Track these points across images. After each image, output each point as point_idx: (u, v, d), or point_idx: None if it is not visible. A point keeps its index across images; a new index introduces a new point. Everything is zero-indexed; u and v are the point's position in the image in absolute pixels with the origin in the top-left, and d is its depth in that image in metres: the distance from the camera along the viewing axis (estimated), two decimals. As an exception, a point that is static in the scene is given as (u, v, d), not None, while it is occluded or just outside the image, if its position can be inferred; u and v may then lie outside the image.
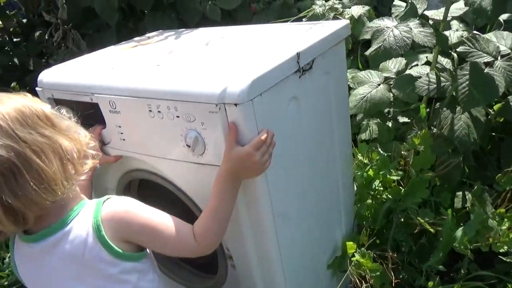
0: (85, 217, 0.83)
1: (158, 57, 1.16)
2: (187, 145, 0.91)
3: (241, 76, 0.84)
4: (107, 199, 0.87)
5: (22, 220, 0.76)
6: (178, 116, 0.91)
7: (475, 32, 1.64)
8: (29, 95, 0.83)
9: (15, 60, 2.27)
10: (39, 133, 0.76)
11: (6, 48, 2.35)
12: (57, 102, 1.20)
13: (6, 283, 1.57)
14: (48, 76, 1.21)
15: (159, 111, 0.93)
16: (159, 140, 0.98)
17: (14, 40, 2.53)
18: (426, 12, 1.55)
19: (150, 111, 0.95)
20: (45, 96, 1.20)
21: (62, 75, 1.18)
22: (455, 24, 1.86)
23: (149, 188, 1.25)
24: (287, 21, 2.04)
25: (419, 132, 1.29)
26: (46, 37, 2.20)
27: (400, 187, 1.32)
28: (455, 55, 1.66)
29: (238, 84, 0.82)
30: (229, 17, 2.36)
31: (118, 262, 0.83)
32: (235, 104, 0.82)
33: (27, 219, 0.76)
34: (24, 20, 2.73)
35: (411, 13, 1.48)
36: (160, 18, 2.16)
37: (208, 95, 0.84)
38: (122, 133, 1.06)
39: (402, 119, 1.71)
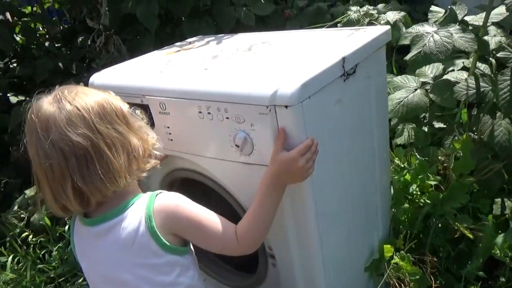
0: (139, 208, 0.89)
1: (203, 61, 1.21)
2: (236, 145, 0.95)
3: (291, 79, 0.88)
4: (160, 192, 0.92)
5: (86, 203, 0.84)
6: (227, 118, 0.95)
7: (514, 37, 1.63)
8: (112, 93, 0.93)
9: (60, 64, 2.38)
10: (114, 128, 0.84)
11: (50, 52, 2.47)
12: (107, 104, 1.27)
13: (52, 275, 1.65)
14: (99, 78, 1.27)
15: (209, 113, 0.98)
16: (207, 140, 1.03)
17: (58, 45, 2.66)
18: (466, 18, 1.55)
19: (200, 112, 0.99)
20: (96, 97, 1.27)
21: (113, 77, 1.25)
22: (493, 29, 1.85)
23: (190, 189, 1.30)
24: (321, 27, 2.07)
25: (459, 137, 1.29)
26: (89, 43, 2.31)
27: (439, 192, 1.32)
28: (493, 60, 1.65)
29: (289, 87, 0.85)
30: (262, 23, 2.41)
31: (163, 254, 0.88)
32: (286, 106, 0.85)
33: (90, 203, 0.84)
34: (66, 26, 2.87)
35: (451, 18, 1.49)
36: (197, 24, 2.23)
37: (259, 97, 0.88)
38: (170, 134, 1.11)
39: (438, 125, 1.70)
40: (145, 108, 1.12)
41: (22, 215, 1.88)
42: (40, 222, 1.79)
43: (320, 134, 0.95)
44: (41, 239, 1.77)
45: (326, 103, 0.97)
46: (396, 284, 1.14)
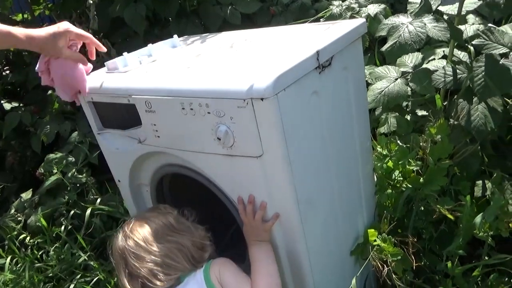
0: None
1: (187, 60, 1.26)
2: (217, 138, 1.00)
3: (266, 73, 0.92)
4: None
5: None
6: (209, 112, 1.00)
7: (490, 25, 1.67)
8: (162, 208, 1.21)
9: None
10: (168, 241, 1.10)
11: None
12: (96, 105, 1.32)
13: (50, 274, 1.70)
14: (88, 81, 1.32)
15: (191, 109, 1.03)
16: (192, 135, 1.07)
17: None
18: (441, 8, 1.60)
19: (183, 109, 1.04)
20: (86, 100, 1.32)
21: (101, 79, 1.29)
22: (471, 18, 1.89)
23: (179, 185, 1.35)
24: (304, 22, 2.11)
25: (436, 123, 1.34)
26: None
27: (419, 176, 1.37)
28: (471, 48, 1.70)
29: (263, 80, 0.90)
30: (249, 21, 2.46)
31: None
32: (262, 99, 0.90)
33: None
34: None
35: (425, 9, 1.53)
36: (184, 25, 2.27)
37: (236, 92, 0.93)
38: (157, 131, 1.16)
39: (420, 113, 1.75)
40: (132, 108, 1.17)
41: (19, 218, 1.93)
42: (37, 224, 1.83)
43: (297, 124, 1.00)
44: (38, 240, 1.82)
45: (302, 95, 1.02)
46: (379, 265, 1.19)
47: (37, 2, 2.80)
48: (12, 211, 1.97)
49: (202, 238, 1.15)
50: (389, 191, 1.40)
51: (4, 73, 2.65)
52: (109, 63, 1.33)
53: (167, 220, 1.15)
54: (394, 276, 1.17)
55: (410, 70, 1.67)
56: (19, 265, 1.73)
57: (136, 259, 1.08)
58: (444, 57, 1.81)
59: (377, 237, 1.23)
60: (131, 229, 1.13)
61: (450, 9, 1.64)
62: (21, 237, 1.82)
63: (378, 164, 1.43)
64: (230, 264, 1.11)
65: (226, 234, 1.39)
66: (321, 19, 2.08)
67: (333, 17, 2.01)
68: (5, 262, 1.70)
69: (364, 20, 1.28)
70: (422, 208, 1.39)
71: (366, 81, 1.56)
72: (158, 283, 1.06)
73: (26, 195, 2.00)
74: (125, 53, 1.34)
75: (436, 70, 1.56)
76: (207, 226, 1.19)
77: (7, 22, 2.54)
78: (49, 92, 2.30)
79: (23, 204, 1.98)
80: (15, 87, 2.64)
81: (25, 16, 2.88)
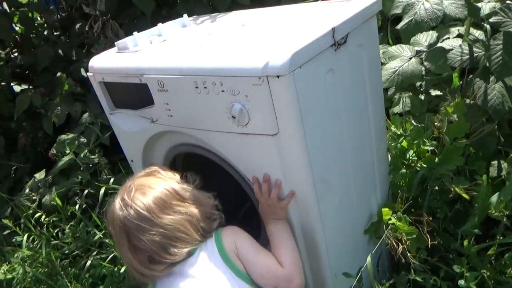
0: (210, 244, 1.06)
1: (198, 39, 1.24)
2: (232, 116, 0.99)
3: (281, 50, 0.91)
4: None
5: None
6: (223, 91, 0.98)
7: (508, 1, 1.62)
8: (161, 171, 1.11)
9: (60, 51, 2.41)
10: (175, 211, 1.01)
11: (50, 41, 2.50)
12: (107, 85, 1.31)
13: (66, 251, 1.73)
14: (98, 61, 1.31)
15: (205, 87, 1.01)
16: (205, 114, 1.06)
17: (56, 33, 2.68)
18: (457, -17, 1.55)
19: (197, 87, 1.03)
20: (96, 80, 1.31)
21: (111, 60, 1.28)
22: (487, -6, 1.84)
23: (192, 165, 1.35)
24: (316, 0, 2.07)
25: (452, 102, 1.32)
26: (87, 29, 2.33)
27: (434, 156, 1.36)
28: (487, 26, 1.66)
29: (279, 57, 0.89)
30: (258, 0, 2.41)
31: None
32: (277, 76, 0.88)
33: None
34: (63, 15, 2.89)
35: (442, -15, 1.48)
36: (192, 5, 2.23)
37: (251, 69, 0.91)
38: (169, 110, 1.15)
39: (434, 92, 1.72)
40: (144, 87, 1.16)
41: (33, 197, 1.95)
42: (52, 203, 1.86)
43: (313, 101, 0.98)
44: (54, 218, 1.85)
45: (318, 72, 1.00)
46: (394, 243, 1.19)
47: (43, -17, 2.77)
48: (27, 190, 2.00)
49: (211, 207, 1.09)
50: (403, 170, 1.39)
51: (12, 56, 2.65)
52: (119, 43, 1.31)
53: (171, 187, 1.05)
54: (408, 254, 1.17)
55: (425, 49, 1.63)
56: (35, 243, 1.77)
57: (141, 232, 0.98)
58: (459, 36, 1.76)
59: (392, 216, 1.22)
60: (133, 197, 1.01)
61: (467, -15, 1.59)
62: (37, 215, 1.84)
63: (392, 144, 1.41)
64: (243, 235, 1.07)
65: (239, 212, 1.40)
66: (332, -3, 2.02)
67: (345, -5, 1.96)
68: (22, 240, 1.73)
69: (379, -4, 1.24)
70: (437, 188, 1.38)
71: (380, 60, 1.53)
72: (168, 257, 0.98)
73: (40, 175, 2.02)
74: (135, 33, 1.32)
75: (452, 49, 1.52)
76: (214, 193, 1.13)
77: (13, 4, 2.54)
78: (59, 73, 2.30)
79: (37, 184, 2.00)
80: (24, 70, 2.64)
81: (31, -2, 2.85)
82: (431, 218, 1.25)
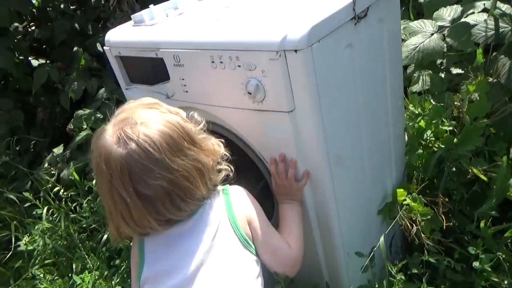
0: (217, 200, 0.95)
1: (215, 12, 1.22)
2: (248, 92, 0.98)
3: (299, 24, 0.88)
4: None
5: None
6: (239, 66, 0.97)
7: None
8: (163, 104, 0.93)
9: (76, 25, 2.41)
10: (186, 156, 0.85)
11: (67, 14, 2.50)
12: (123, 60, 1.30)
13: (84, 225, 1.78)
14: (114, 35, 1.30)
15: (221, 62, 1.00)
16: (221, 89, 1.05)
17: (72, 7, 2.68)
18: (485, -45, 1.48)
19: (213, 62, 1.02)
20: (113, 54, 1.30)
21: (127, 33, 1.27)
22: (517, -33, 1.75)
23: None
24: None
25: (474, 80, 1.27)
26: (103, 2, 2.32)
27: (453, 136, 1.33)
28: (516, 0, 1.58)
29: (297, 31, 0.86)
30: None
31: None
32: (295, 51, 0.86)
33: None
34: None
35: (469, -44, 1.42)
36: (209, -23, 2.19)
37: (268, 43, 0.89)
38: (185, 85, 1.14)
39: (455, 71, 1.67)
40: (160, 62, 1.15)
41: (52, 172, 2.00)
42: (70, 177, 1.90)
43: (330, 78, 0.96)
44: (72, 193, 1.89)
45: (337, 47, 0.97)
46: (408, 224, 1.18)
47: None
48: (46, 165, 2.05)
49: (220, 156, 0.94)
50: (420, 151, 1.37)
51: (30, 29, 2.66)
52: (136, 16, 1.30)
53: (181, 127, 0.86)
54: (422, 235, 1.17)
55: (448, 24, 1.58)
56: (54, 216, 1.82)
57: (149, 174, 0.80)
58: (484, 10, 1.69)
59: (407, 197, 1.21)
60: (139, 132, 0.81)
61: (496, -43, 1.51)
62: (55, 189, 1.89)
63: (410, 124, 1.38)
64: (255, 202, 0.99)
65: (254, 192, 1.40)
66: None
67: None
68: (42, 212, 1.78)
69: (403, -32, 1.19)
70: (454, 169, 1.35)
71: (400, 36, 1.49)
72: (173, 211, 0.84)
73: (58, 150, 2.06)
74: (151, 6, 1.30)
75: (476, 24, 1.47)
76: (222, 140, 0.99)
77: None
78: (76, 48, 2.31)
79: (56, 158, 2.04)
80: (41, 44, 2.66)
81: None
82: (447, 200, 1.23)
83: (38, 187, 1.97)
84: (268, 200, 1.21)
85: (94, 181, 1.83)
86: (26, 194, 1.82)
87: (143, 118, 0.84)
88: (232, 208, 0.93)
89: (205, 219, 0.90)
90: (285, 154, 1.04)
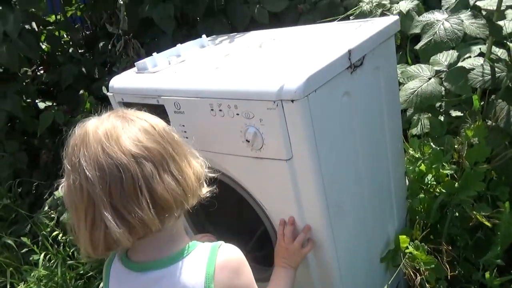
0: (197, 262, 0.80)
1: (216, 60, 1.25)
2: (246, 140, 0.99)
3: (296, 74, 0.90)
4: (221, 244, 0.84)
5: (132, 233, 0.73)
6: (238, 114, 0.98)
7: (533, 20, 1.58)
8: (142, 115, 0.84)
9: (83, 69, 2.48)
10: (171, 174, 0.76)
11: (74, 58, 2.58)
12: (126, 106, 1.33)
13: (81, 271, 1.75)
14: (118, 82, 1.33)
15: (220, 110, 1.02)
16: (220, 136, 1.07)
17: (80, 51, 2.77)
18: (478, 3, 1.52)
19: (212, 110, 1.03)
20: (116, 100, 1.33)
21: (131, 80, 1.30)
22: (510, 13, 1.80)
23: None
24: (333, 20, 2.07)
25: (472, 124, 1.28)
26: (109, 47, 2.40)
27: (454, 181, 1.32)
28: (511, 45, 1.62)
29: (294, 82, 0.88)
30: (276, 19, 2.43)
31: None
32: (292, 101, 0.88)
33: (137, 233, 0.73)
34: (87, 33, 2.98)
35: (462, 4, 1.47)
36: (212, 24, 2.27)
37: (266, 93, 0.91)
38: (185, 132, 1.16)
39: (455, 113, 1.68)
40: (161, 109, 1.17)
41: (52, 215, 1.99)
42: (69, 221, 1.88)
43: (328, 126, 0.97)
44: (70, 237, 1.87)
45: (333, 96, 0.99)
46: (412, 273, 1.15)
47: (70, 3, 2.87)
48: (46, 208, 2.04)
49: (201, 178, 0.83)
50: (422, 195, 1.35)
51: (38, 73, 2.74)
52: (139, 64, 1.34)
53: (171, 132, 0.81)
54: (427, 285, 1.13)
55: (445, 69, 1.60)
56: (52, 261, 1.78)
57: (133, 193, 0.71)
58: (480, 54, 1.73)
59: (409, 244, 1.19)
60: (128, 111, 0.79)
61: (488, 4, 1.56)
62: (54, 233, 1.87)
63: (410, 168, 1.38)
64: (248, 278, 0.85)
65: (253, 238, 1.38)
66: (350, 17, 2.03)
67: (363, 15, 1.96)
68: (39, 258, 1.75)
69: (397, 17, 1.23)
70: (457, 214, 1.33)
71: (398, 80, 1.51)
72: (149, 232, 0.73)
73: (59, 193, 2.06)
74: (154, 54, 1.35)
75: (473, 69, 1.49)
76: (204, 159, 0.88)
77: (41, 23, 2.64)
78: (81, 91, 2.36)
79: (56, 201, 2.04)
80: (49, 87, 2.73)
81: (58, 17, 2.96)
82: (450, 248, 1.20)
83: (36, 232, 1.95)
84: (266, 246, 1.19)
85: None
86: (24, 239, 1.80)
87: (123, 122, 0.78)
88: (213, 270, 0.78)
89: (180, 278, 0.77)
90: (294, 219, 1.03)
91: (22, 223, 2.08)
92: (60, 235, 1.87)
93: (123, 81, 1.31)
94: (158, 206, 0.73)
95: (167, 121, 1.16)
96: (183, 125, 1.14)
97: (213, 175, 0.90)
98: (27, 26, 2.41)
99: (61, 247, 1.87)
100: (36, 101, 2.60)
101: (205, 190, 0.87)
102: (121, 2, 2.26)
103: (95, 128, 0.75)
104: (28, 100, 2.56)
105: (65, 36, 2.96)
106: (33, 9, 2.44)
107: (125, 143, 0.73)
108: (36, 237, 1.96)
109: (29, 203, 2.31)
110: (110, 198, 0.71)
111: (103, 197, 0.71)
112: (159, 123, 0.82)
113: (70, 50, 2.72)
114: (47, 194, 2.13)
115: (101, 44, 2.57)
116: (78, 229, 0.75)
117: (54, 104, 2.57)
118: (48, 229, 1.87)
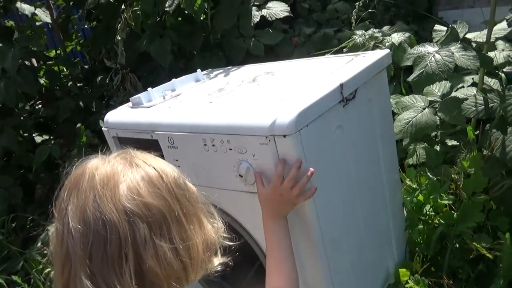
0: None
1: (210, 94, 1.26)
2: (239, 175, 0.98)
3: (288, 109, 0.91)
4: None
5: None
6: (230, 149, 0.98)
7: (522, 51, 1.61)
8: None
9: (80, 103, 2.50)
10: (189, 201, 0.68)
11: (72, 93, 2.61)
12: (120, 141, 1.33)
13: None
14: (113, 116, 1.34)
15: (213, 145, 1.02)
16: (213, 171, 1.06)
17: (79, 85, 2.80)
18: (468, 35, 1.56)
19: (205, 145, 1.03)
20: (110, 135, 1.33)
21: (125, 115, 1.31)
22: (500, 44, 1.84)
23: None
24: (327, 53, 2.11)
25: (468, 155, 1.28)
26: (107, 81, 2.42)
27: (453, 212, 1.30)
28: (503, 75, 1.64)
29: (286, 117, 0.88)
30: (271, 51, 2.48)
31: None
32: (284, 136, 0.88)
33: None
34: (86, 67, 3.03)
35: (452, 37, 1.50)
36: (208, 58, 2.31)
37: (258, 128, 0.91)
38: (179, 166, 1.14)
39: (451, 142, 1.69)
40: (155, 143, 1.17)
41: (45, 252, 1.94)
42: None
43: (321, 159, 0.97)
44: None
45: (326, 129, 0.99)
46: (413, 309, 1.11)
47: (70, 38, 2.93)
48: (39, 244, 1.99)
49: (219, 236, 0.72)
50: (421, 226, 1.33)
51: (36, 107, 2.76)
52: (134, 99, 1.35)
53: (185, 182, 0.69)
54: (429, 321, 1.09)
55: (438, 99, 1.62)
56: (43, 300, 1.73)
57: (148, 246, 0.60)
58: (473, 84, 1.75)
59: (410, 279, 1.16)
60: (116, 186, 0.62)
61: (478, 36, 1.60)
62: (46, 271, 1.82)
63: (408, 198, 1.36)
64: None
65: (249, 272, 1.35)
66: (344, 49, 2.07)
67: (356, 47, 2.00)
68: (28, 299, 1.69)
69: (388, 51, 1.25)
70: (457, 246, 1.31)
71: (392, 111, 1.52)
72: None
73: (52, 228, 2.02)
74: (149, 88, 1.36)
75: (466, 99, 1.51)
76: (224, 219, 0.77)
77: (41, 58, 2.68)
78: (78, 125, 2.37)
79: (49, 237, 1.99)
80: (47, 120, 2.74)
81: (58, 52, 3.01)
82: (451, 281, 1.17)
83: (28, 269, 1.89)
84: (262, 282, 1.16)
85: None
86: (15, 277, 1.75)
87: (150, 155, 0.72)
88: None
89: None
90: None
91: (14, 259, 2.03)
92: (52, 272, 1.81)
93: (117, 116, 1.32)
94: (145, 280, 0.60)
95: (161, 156, 1.16)
96: (177, 160, 1.14)
97: (230, 243, 0.75)
98: (26, 62, 2.45)
99: (53, 285, 1.81)
100: (33, 135, 2.60)
101: (217, 262, 0.71)
102: (119, 38, 2.30)
103: (94, 170, 0.64)
104: (24, 134, 2.56)
105: (64, 70, 3.01)
106: (33, 47, 2.49)
107: (121, 195, 0.61)
108: (28, 275, 1.91)
109: (23, 238, 2.26)
110: (89, 262, 0.59)
111: (82, 260, 0.60)
112: (170, 173, 0.68)
113: (69, 84, 2.76)
114: (40, 229, 2.09)
115: (99, 78, 2.60)
116: (56, 279, 0.65)
117: (51, 137, 2.57)
118: (40, 266, 1.82)
